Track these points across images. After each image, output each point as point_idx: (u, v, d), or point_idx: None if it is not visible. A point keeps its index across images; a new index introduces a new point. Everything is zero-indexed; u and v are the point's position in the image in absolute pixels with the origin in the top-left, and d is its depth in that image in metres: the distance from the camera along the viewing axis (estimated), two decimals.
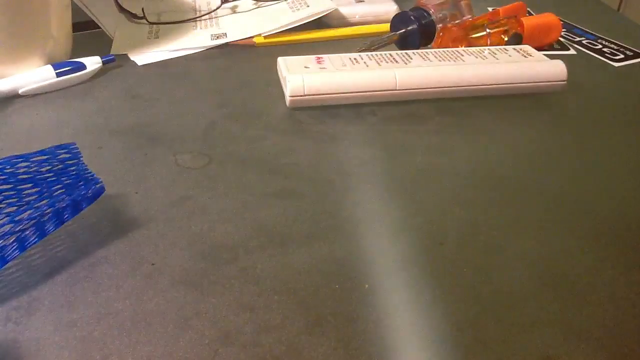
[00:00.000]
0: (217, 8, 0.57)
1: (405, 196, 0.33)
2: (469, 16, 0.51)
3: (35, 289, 0.26)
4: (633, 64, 0.50)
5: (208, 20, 0.56)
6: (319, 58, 0.43)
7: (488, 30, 0.49)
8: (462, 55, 0.44)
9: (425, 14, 0.49)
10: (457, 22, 0.50)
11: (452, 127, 0.40)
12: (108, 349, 0.23)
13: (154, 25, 0.55)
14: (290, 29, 0.53)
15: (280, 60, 0.43)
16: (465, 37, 0.49)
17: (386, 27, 0.52)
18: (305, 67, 0.41)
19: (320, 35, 0.54)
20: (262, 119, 0.40)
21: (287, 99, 0.40)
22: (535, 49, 0.46)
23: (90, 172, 0.30)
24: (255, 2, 0.58)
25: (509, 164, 0.36)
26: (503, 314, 0.25)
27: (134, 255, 0.28)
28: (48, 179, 0.29)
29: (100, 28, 0.54)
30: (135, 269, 0.27)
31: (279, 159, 0.36)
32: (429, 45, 0.50)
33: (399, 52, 0.44)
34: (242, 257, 0.28)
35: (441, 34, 0.49)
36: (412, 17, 0.49)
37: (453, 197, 0.33)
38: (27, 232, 0.25)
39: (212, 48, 0.51)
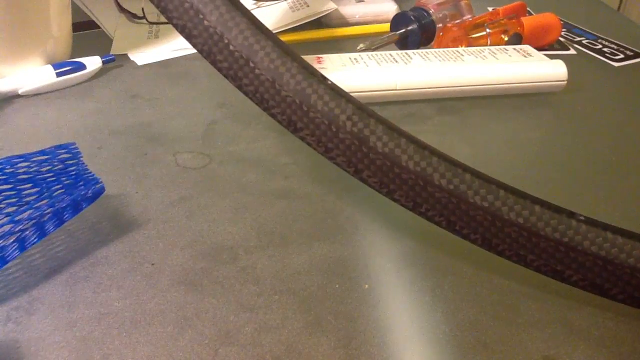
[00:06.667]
0: None
1: None
2: (469, 16, 0.51)
3: (35, 289, 0.26)
4: (633, 64, 0.50)
5: None
6: (319, 58, 0.43)
7: (488, 30, 0.49)
8: (462, 55, 0.44)
9: (425, 14, 0.49)
10: (457, 22, 0.50)
11: (452, 127, 0.40)
12: (108, 349, 0.23)
13: (154, 25, 0.55)
14: (290, 29, 0.53)
15: None
16: (465, 37, 0.49)
17: (386, 27, 0.52)
18: None
19: (320, 35, 0.54)
20: (262, 119, 0.40)
21: None
22: (535, 49, 0.46)
23: (90, 172, 0.30)
24: (255, 2, 0.58)
25: (509, 164, 0.36)
26: (503, 314, 0.25)
27: (134, 255, 0.28)
28: (48, 179, 0.29)
29: (100, 28, 0.54)
30: (135, 269, 0.27)
31: (279, 158, 0.36)
32: (429, 45, 0.50)
33: (399, 52, 0.44)
34: (242, 257, 0.28)
35: (441, 34, 0.49)
36: (412, 17, 0.49)
37: None
38: (27, 232, 0.25)
39: None
